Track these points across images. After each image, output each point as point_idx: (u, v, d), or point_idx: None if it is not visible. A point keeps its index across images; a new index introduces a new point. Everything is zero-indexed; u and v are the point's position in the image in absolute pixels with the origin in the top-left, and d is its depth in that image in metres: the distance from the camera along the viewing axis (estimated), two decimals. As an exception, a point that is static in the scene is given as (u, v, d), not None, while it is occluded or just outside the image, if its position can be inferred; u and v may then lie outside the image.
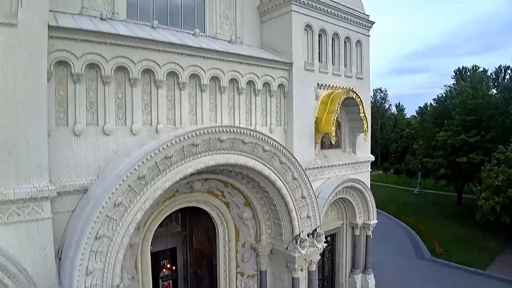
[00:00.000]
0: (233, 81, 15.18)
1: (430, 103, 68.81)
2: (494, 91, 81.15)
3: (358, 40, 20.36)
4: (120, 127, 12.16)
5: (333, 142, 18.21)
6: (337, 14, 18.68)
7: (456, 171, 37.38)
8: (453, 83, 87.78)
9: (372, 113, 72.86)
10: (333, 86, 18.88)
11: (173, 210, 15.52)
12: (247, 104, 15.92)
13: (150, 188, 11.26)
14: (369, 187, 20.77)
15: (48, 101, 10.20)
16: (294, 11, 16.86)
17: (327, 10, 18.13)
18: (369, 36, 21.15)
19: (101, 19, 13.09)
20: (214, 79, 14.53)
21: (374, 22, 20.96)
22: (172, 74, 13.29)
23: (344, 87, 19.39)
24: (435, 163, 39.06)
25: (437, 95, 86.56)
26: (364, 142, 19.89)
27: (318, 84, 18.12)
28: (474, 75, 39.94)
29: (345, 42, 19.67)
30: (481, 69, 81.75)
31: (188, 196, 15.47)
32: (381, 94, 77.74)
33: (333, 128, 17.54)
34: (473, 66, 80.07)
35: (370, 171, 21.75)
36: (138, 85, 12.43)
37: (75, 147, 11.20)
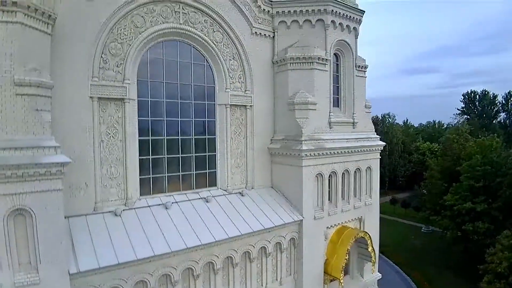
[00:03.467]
0: (246, 253, 15.64)
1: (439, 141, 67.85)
2: (503, 115, 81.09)
3: (368, 167, 20.56)
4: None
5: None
6: (348, 151, 18.90)
7: (462, 235, 37.66)
8: (462, 107, 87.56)
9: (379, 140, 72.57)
10: (342, 222, 19.21)
11: None
12: (258, 266, 16.40)
13: None
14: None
15: None
16: (305, 166, 17.14)
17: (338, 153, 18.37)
18: (379, 158, 21.38)
19: (115, 215, 13.65)
20: (228, 258, 15.00)
21: (385, 144, 21.16)
22: (187, 269, 13.80)
23: (354, 219, 19.77)
24: (441, 225, 39.37)
25: (446, 124, 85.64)
26: (372, 273, 20.28)
27: (327, 227, 18.47)
28: (483, 143, 38.92)
29: (355, 172, 19.88)
30: (491, 94, 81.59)
31: None
32: (389, 119, 77.18)
33: (342, 274, 17.97)
34: (482, 91, 79.45)
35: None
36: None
37: None
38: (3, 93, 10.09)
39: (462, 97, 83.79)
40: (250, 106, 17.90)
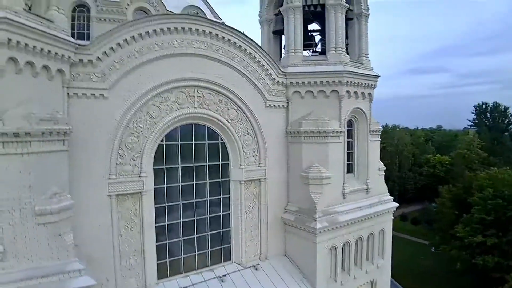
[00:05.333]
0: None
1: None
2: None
3: (381, 229, 20.54)
4: None
5: None
6: (362, 219, 18.91)
7: (471, 268, 37.56)
8: (473, 118, 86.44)
9: (389, 152, 72.28)
10: (355, 289, 19.31)
11: None
12: None
13: None
14: None
15: None
16: (319, 243, 17.20)
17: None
18: (392, 218, 21.36)
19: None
20: None
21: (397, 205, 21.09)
22: None
23: (366, 283, 19.85)
24: (451, 256, 39.31)
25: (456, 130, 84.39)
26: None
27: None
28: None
29: (368, 237, 19.89)
30: (502, 106, 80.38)
31: None
32: (398, 135, 76.36)
33: None
34: (493, 103, 78.39)
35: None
36: None
37: None
38: (26, 224, 10.33)
39: (474, 109, 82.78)
40: (264, 178, 17.95)
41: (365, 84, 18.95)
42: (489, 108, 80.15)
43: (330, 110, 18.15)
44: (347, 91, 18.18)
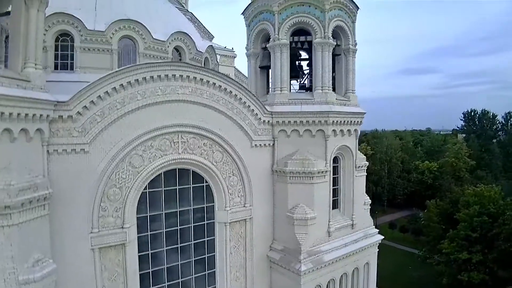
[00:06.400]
0: None
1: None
2: (503, 134, 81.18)
3: (366, 263, 20.70)
4: None
5: None
6: (347, 255, 19.04)
7: (457, 283, 38.22)
8: (462, 125, 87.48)
9: (379, 159, 72.73)
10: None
11: None
12: None
13: None
14: None
15: None
16: (303, 284, 17.24)
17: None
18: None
19: None
20: None
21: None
22: None
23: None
24: (437, 270, 39.93)
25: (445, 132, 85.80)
26: None
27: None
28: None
29: (353, 271, 20.02)
30: (491, 114, 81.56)
31: None
32: (388, 142, 76.93)
33: None
34: (482, 110, 79.50)
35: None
36: None
37: None
38: (10, 294, 10.18)
39: (462, 116, 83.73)
40: (250, 218, 17.93)
41: (351, 121, 18.98)
42: (477, 115, 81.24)
43: (316, 149, 18.15)
44: (333, 130, 18.19)
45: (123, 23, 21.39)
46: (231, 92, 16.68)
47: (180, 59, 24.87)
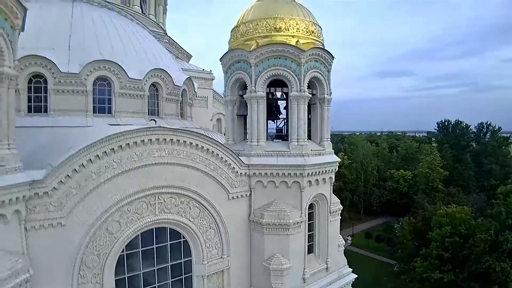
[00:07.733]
0: None
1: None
2: (475, 145, 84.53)
3: None
4: None
5: None
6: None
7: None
8: (436, 134, 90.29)
9: (355, 168, 74.27)
10: None
11: None
12: None
13: None
14: None
15: None
16: (279, 333, 17.78)
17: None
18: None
19: None
20: None
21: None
22: None
23: None
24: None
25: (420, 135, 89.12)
26: None
27: None
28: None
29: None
30: (464, 124, 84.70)
31: None
32: (364, 151, 78.78)
33: None
34: (456, 120, 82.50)
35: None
36: None
37: None
38: None
39: (436, 125, 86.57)
40: (227, 268, 18.28)
41: (326, 171, 19.57)
42: (451, 125, 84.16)
43: (292, 199, 18.66)
44: (309, 181, 18.74)
45: (98, 64, 21.22)
46: (207, 149, 16.93)
47: (157, 95, 24.90)
